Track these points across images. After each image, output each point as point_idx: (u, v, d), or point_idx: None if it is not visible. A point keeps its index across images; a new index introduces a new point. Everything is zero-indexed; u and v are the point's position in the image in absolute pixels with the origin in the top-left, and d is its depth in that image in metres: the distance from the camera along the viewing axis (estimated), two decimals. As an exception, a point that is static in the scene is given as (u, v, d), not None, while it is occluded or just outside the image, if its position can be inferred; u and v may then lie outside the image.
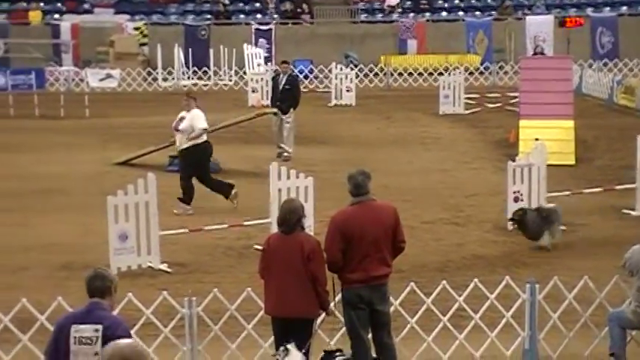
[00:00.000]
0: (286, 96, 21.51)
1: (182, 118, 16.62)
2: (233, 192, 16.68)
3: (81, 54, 38.67)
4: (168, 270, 13.12)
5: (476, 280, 10.45)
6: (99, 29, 39.01)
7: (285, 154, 21.30)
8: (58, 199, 17.56)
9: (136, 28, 39.80)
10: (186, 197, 16.44)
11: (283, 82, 21.63)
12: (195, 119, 16.50)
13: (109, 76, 34.02)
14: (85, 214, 15.85)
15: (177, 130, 16.64)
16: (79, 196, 17.49)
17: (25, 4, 41.22)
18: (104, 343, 6.44)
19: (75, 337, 6.73)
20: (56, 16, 40.53)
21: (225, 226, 14.69)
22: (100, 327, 6.70)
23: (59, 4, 41.57)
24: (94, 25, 39.43)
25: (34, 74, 30.46)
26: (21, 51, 37.12)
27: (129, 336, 6.65)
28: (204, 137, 16.69)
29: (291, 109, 21.54)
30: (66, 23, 39.32)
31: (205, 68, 37.03)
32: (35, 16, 40.26)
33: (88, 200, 16.59)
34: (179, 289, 11.77)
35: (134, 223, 13.02)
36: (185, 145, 16.53)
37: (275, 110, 21.76)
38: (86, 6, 41.67)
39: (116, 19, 40.54)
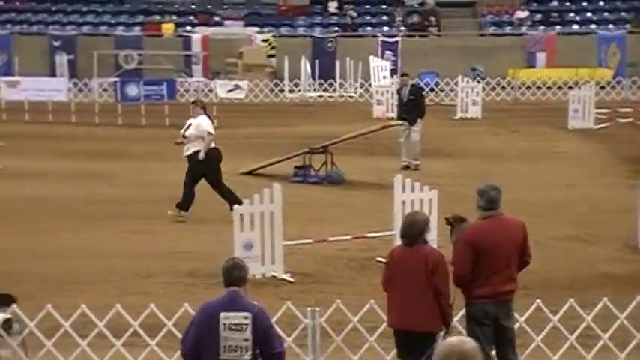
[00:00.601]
0: (411, 107, 21.62)
1: (190, 125, 16.86)
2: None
3: (210, 65, 39.38)
4: (291, 280, 13.20)
5: (605, 299, 10.19)
6: (228, 41, 39.69)
7: (415, 163, 21.37)
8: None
9: (265, 40, 40.33)
10: (185, 203, 16.72)
11: (407, 94, 21.78)
12: (201, 125, 16.66)
13: (237, 87, 34.54)
14: (210, 222, 16.09)
15: (185, 137, 16.90)
16: (205, 205, 17.75)
17: (158, 17, 42.21)
18: (254, 330, 7.08)
19: (224, 324, 7.14)
20: (188, 28, 41.38)
21: (349, 237, 14.70)
22: (249, 314, 7.15)
23: (191, 17, 42.42)
24: (224, 37, 40.13)
25: (166, 85, 31.16)
26: (153, 62, 38.03)
27: (272, 325, 7.37)
28: (213, 143, 16.80)
29: (419, 120, 21.61)
30: (197, 35, 40.11)
31: (331, 80, 37.24)
32: (168, 28, 41.20)
33: (214, 209, 16.83)
34: (301, 299, 11.82)
35: (259, 232, 13.16)
36: (192, 151, 16.76)
37: (401, 122, 21.81)
38: (217, 18, 42.42)
39: (246, 31, 41.15)
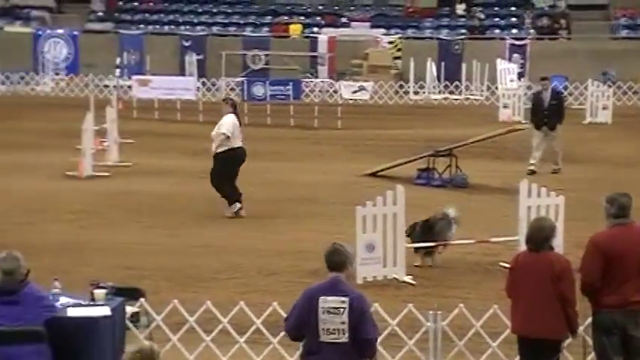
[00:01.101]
0: (552, 111, 21.51)
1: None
2: (237, 207, 16.70)
3: (336, 66, 39.56)
4: (413, 282, 13.14)
5: None
6: (354, 42, 39.80)
7: (556, 167, 21.34)
8: (309, 208, 17.98)
9: (391, 42, 40.30)
10: (233, 198, 16.69)
11: (548, 98, 21.60)
12: (221, 126, 16.58)
13: (361, 88, 34.61)
14: (334, 223, 16.15)
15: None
16: (329, 205, 17.85)
17: (286, 18, 42.60)
18: (350, 314, 7.38)
19: (323, 308, 7.45)
20: (315, 29, 41.65)
21: (472, 241, 14.57)
22: (346, 299, 7.43)
23: (318, 18, 42.69)
24: (350, 39, 40.26)
25: (292, 85, 31.42)
26: (280, 63, 38.41)
27: (368, 311, 7.56)
28: (238, 143, 16.67)
29: (558, 125, 21.52)
30: (323, 36, 40.35)
31: (457, 83, 36.97)
32: (295, 29, 41.55)
33: (338, 209, 16.89)
34: (423, 302, 11.77)
35: (381, 234, 13.15)
36: (219, 150, 16.64)
37: (528, 126, 21.61)
38: (344, 20, 42.58)
39: (372, 32, 41.21)
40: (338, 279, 7.52)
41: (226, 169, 16.81)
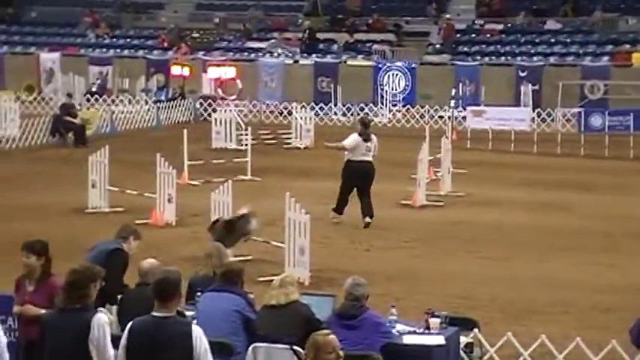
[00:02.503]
0: None
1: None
2: (332, 215, 18.35)
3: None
4: None
5: None
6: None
7: None
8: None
9: None
10: (337, 206, 18.37)
11: None
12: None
13: None
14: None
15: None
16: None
17: (628, 47, 41.23)
18: None
19: None
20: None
21: None
22: None
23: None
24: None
25: (632, 116, 30.32)
26: (620, 93, 37.18)
27: None
28: (358, 157, 18.18)
29: None
30: (669, 64, 38.63)
31: None
32: (638, 58, 40.07)
33: None
34: None
35: None
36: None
37: None
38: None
39: None
40: None
41: (343, 178, 18.43)
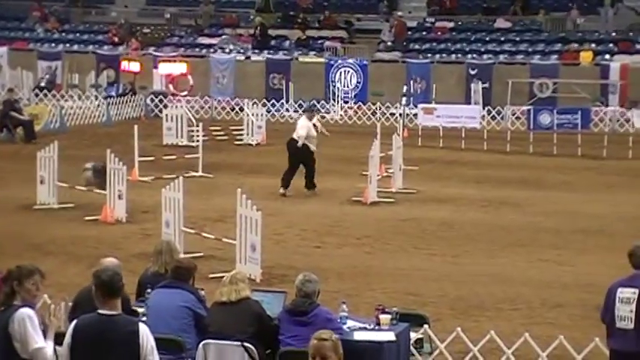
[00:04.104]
0: None
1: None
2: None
3: (629, 95, 38.19)
4: None
5: None
6: (648, 70, 38.28)
7: None
8: (597, 240, 17.41)
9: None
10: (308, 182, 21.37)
11: None
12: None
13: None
14: (623, 256, 15.49)
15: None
16: (618, 238, 17.18)
17: (576, 46, 41.64)
18: (637, 304, 8.37)
19: (619, 297, 8.55)
20: (607, 56, 40.44)
21: None
22: (636, 290, 8.48)
23: (611, 45, 41.44)
24: (644, 66, 38.76)
25: (580, 114, 30.65)
26: (569, 91, 37.57)
27: None
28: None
29: None
30: (615, 64, 39.08)
31: None
32: (586, 57, 40.49)
33: (628, 243, 16.19)
34: None
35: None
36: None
37: None
38: (638, 46, 41.07)
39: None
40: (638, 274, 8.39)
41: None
